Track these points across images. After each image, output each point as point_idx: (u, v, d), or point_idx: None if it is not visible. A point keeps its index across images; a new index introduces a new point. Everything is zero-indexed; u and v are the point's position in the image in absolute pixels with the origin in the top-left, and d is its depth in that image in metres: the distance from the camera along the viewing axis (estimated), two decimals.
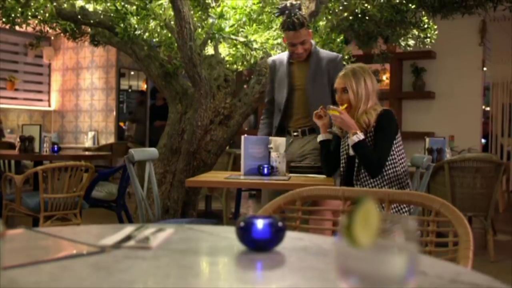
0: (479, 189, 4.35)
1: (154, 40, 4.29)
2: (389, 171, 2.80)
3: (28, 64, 9.53)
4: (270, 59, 3.68)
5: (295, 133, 3.47)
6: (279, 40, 3.93)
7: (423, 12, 4.73)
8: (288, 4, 3.40)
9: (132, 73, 10.00)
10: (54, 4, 4.07)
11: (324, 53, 3.55)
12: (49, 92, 9.88)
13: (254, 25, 3.93)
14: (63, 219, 3.99)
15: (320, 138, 3.08)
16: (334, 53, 3.63)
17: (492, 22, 7.80)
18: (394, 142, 2.82)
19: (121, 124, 9.78)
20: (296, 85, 3.47)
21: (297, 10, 3.38)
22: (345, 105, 2.88)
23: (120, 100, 9.52)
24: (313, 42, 3.51)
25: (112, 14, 3.98)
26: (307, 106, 3.42)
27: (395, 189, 2.77)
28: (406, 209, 2.71)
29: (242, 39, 3.97)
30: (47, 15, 4.30)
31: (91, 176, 4.04)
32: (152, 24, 4.03)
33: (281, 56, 3.61)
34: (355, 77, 2.83)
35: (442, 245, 1.44)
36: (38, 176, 3.81)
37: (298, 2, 3.55)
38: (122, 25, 3.85)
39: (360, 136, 2.76)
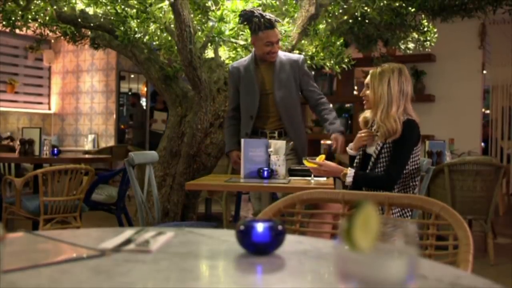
0: (479, 192, 4.35)
1: (154, 43, 4.30)
2: None
3: (28, 67, 9.54)
4: (232, 66, 3.64)
5: (272, 134, 3.50)
6: (279, 43, 3.93)
7: (423, 15, 4.74)
8: (252, 9, 3.42)
9: (132, 76, 10.01)
10: (54, 7, 4.08)
11: (286, 55, 3.59)
12: (49, 95, 9.89)
13: None
14: (63, 222, 3.99)
15: (350, 153, 3.04)
16: (295, 55, 3.68)
17: (491, 25, 7.81)
18: (412, 152, 2.75)
19: (123, 126, 9.79)
20: (267, 90, 3.50)
21: (260, 11, 3.41)
22: (322, 156, 2.87)
23: (120, 103, 9.53)
24: None
25: (112, 17, 3.98)
26: (276, 109, 3.49)
27: (398, 187, 2.74)
28: (409, 213, 2.70)
29: (242, 42, 3.97)
30: (47, 18, 4.30)
31: (91, 179, 4.04)
32: (152, 27, 4.04)
33: (243, 62, 3.60)
34: (380, 75, 2.76)
35: (442, 248, 1.44)
36: (38, 179, 3.81)
37: (259, 8, 3.58)
38: (122, 28, 3.85)
39: (351, 173, 2.70)
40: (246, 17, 3.40)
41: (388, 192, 2.66)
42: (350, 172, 2.71)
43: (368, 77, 2.86)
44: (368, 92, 2.84)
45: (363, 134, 2.90)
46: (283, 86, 3.47)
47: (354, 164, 2.94)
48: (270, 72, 3.50)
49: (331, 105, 3.61)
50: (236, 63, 3.65)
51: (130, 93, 10.25)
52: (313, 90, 3.58)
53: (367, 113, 2.94)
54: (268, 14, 3.39)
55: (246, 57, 3.68)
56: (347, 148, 3.06)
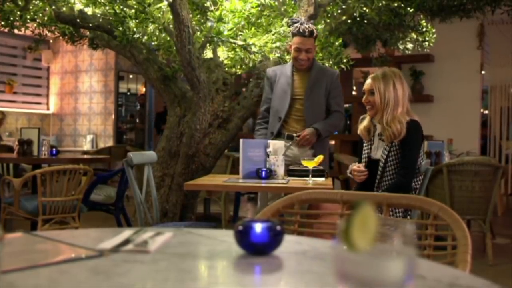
0: (478, 192, 4.35)
1: (153, 43, 4.30)
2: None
3: (27, 67, 9.53)
4: (270, 70, 3.79)
5: (297, 136, 3.60)
6: (278, 44, 3.94)
7: (422, 16, 4.74)
8: (301, 17, 3.68)
9: (131, 76, 10.01)
10: (53, 7, 4.07)
11: (324, 67, 3.78)
12: (47, 95, 9.88)
13: (253, 28, 3.93)
14: (61, 222, 3.98)
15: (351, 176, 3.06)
16: (333, 70, 3.84)
17: (490, 25, 7.81)
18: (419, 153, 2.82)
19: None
20: (296, 94, 3.64)
21: (309, 22, 3.62)
22: (321, 156, 2.89)
23: (119, 103, 9.52)
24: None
25: (111, 18, 3.98)
26: (304, 114, 3.63)
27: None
28: (410, 212, 2.72)
29: (240, 43, 3.97)
30: (46, 18, 4.30)
31: (89, 179, 4.03)
32: (151, 27, 4.03)
33: (282, 67, 3.76)
34: (384, 79, 2.81)
35: (441, 248, 1.44)
36: (36, 179, 3.80)
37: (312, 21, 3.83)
38: (121, 28, 3.84)
39: None
40: (293, 22, 3.63)
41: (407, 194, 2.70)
42: None
43: (368, 81, 2.86)
44: (374, 97, 2.84)
45: (358, 175, 2.90)
46: (314, 94, 3.62)
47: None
48: (305, 79, 3.64)
49: (339, 120, 3.73)
50: (276, 68, 3.80)
51: (129, 93, 10.25)
52: (334, 104, 3.68)
53: (366, 122, 2.95)
54: (310, 25, 3.57)
55: (287, 63, 3.83)
56: (347, 172, 3.07)
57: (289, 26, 3.75)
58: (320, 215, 2.31)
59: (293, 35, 3.57)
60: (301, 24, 3.54)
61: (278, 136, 3.63)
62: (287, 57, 4.12)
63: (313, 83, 3.63)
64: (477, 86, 7.92)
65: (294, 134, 3.61)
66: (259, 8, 3.97)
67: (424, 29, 4.78)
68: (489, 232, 4.38)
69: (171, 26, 3.89)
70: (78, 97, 9.64)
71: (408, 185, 2.76)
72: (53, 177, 3.79)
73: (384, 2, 4.17)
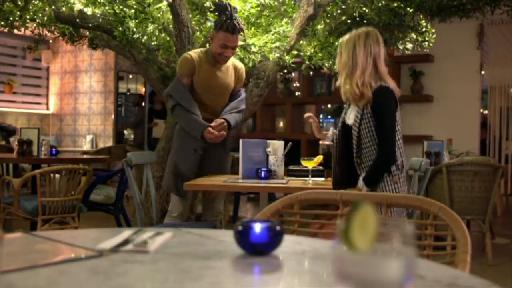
0: (477, 192, 4.35)
1: (153, 43, 4.30)
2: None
3: (26, 68, 9.53)
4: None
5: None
6: (277, 44, 3.93)
7: (421, 16, 4.73)
8: (228, 4, 3.32)
9: (131, 76, 10.00)
10: (53, 7, 4.07)
11: (232, 60, 3.50)
12: (47, 95, 9.88)
13: (253, 28, 3.93)
14: (61, 222, 3.99)
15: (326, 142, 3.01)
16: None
17: (490, 25, 7.81)
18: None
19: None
20: (219, 88, 3.44)
21: (237, 17, 3.34)
22: (320, 156, 2.85)
23: (118, 104, 9.52)
24: None
25: (110, 18, 3.98)
26: (222, 107, 3.45)
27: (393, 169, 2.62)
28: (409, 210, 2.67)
29: (240, 43, 3.97)
30: (45, 18, 4.30)
31: (89, 179, 4.03)
32: (151, 27, 4.04)
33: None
34: (346, 43, 2.69)
35: (440, 248, 1.44)
36: (36, 179, 3.80)
37: (236, 6, 3.50)
38: (120, 28, 3.85)
39: (361, 183, 2.60)
40: (219, 9, 3.33)
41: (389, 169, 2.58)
42: (360, 183, 2.61)
43: None
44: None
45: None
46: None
47: (335, 137, 2.84)
48: (224, 71, 3.43)
49: (243, 102, 3.57)
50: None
51: (128, 93, 10.25)
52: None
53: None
54: (238, 20, 3.30)
55: (202, 49, 3.55)
56: (325, 142, 3.00)
57: (211, 12, 3.38)
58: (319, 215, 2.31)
59: (220, 29, 3.26)
60: (229, 19, 3.24)
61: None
62: (287, 57, 4.12)
63: (232, 77, 3.45)
64: (477, 86, 7.92)
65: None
66: (258, 8, 3.97)
67: (423, 29, 4.77)
68: (489, 232, 4.38)
69: (170, 26, 3.90)
70: (77, 97, 9.64)
71: (389, 160, 2.57)
72: (52, 177, 3.79)
73: (383, 2, 4.17)
